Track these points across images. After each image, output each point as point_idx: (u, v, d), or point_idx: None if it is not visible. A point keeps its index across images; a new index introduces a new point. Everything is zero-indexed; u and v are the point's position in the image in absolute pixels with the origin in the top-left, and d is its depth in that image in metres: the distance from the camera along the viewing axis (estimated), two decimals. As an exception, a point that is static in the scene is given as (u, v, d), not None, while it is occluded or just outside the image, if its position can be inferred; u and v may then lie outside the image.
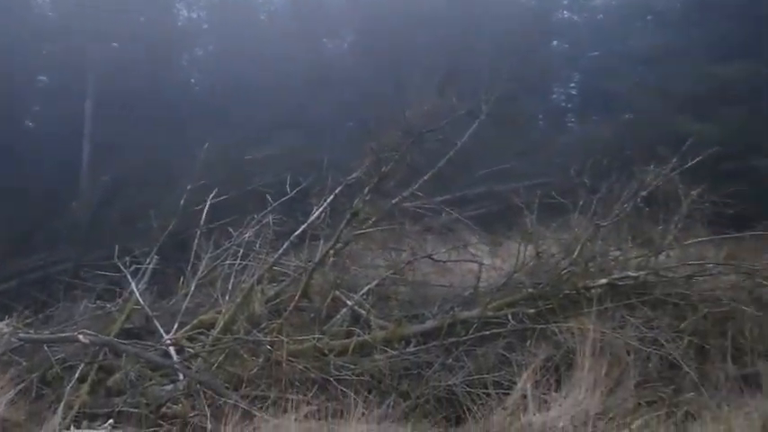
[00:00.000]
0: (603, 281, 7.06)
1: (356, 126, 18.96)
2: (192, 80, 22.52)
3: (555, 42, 24.95)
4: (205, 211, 8.77)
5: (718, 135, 15.23)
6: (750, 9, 17.51)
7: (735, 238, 8.01)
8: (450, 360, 6.53)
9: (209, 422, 5.48)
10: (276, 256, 7.78)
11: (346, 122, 19.89)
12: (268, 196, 9.06)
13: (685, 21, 18.63)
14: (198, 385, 5.91)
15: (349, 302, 7.47)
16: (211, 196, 9.00)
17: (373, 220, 8.03)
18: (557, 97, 25.71)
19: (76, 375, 6.00)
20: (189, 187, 9.15)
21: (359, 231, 7.89)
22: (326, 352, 6.58)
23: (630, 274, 7.19)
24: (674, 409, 5.70)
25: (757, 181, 15.00)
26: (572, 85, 25.53)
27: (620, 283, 7.10)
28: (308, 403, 5.81)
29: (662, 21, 19.72)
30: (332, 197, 8.14)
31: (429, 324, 7.09)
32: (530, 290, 7.19)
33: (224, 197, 9.29)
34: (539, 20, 23.23)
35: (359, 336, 6.94)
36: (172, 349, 6.52)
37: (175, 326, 6.93)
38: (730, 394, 6.00)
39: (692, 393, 5.97)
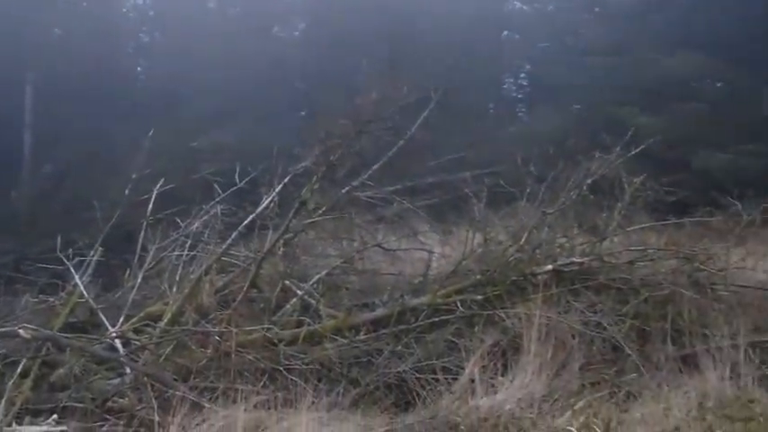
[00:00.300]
0: (549, 267, 7.21)
1: (307, 114, 18.96)
2: (139, 68, 22.18)
3: (506, 33, 25.16)
4: (152, 202, 8.67)
5: (662, 126, 15.64)
6: (695, 2, 17.93)
7: (675, 224, 8.25)
8: (400, 347, 6.62)
9: (156, 415, 5.45)
10: (225, 246, 7.75)
11: (297, 111, 19.85)
12: (216, 186, 9.02)
13: (632, 13, 18.94)
14: (145, 378, 5.87)
15: (299, 292, 7.48)
16: (158, 186, 8.91)
17: (323, 209, 8.07)
18: (507, 87, 25.95)
19: (18, 371, 5.89)
20: (134, 176, 9.03)
21: (308, 221, 7.92)
22: (276, 342, 6.59)
23: (575, 260, 7.36)
24: (616, 389, 5.88)
25: (698, 170, 15.45)
26: (522, 75, 25.78)
27: (566, 269, 7.27)
28: (258, 393, 5.82)
29: (610, 13, 20.00)
30: (281, 186, 8.14)
31: (379, 312, 7.15)
32: (478, 277, 7.31)
33: (171, 187, 9.20)
34: (490, 9, 23.38)
35: (309, 325, 6.98)
36: (118, 342, 6.46)
37: (121, 319, 6.86)
38: (670, 374, 6.20)
39: (634, 374, 6.16)
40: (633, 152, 8.50)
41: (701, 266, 7.33)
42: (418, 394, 6.03)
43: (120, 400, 5.80)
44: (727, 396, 5.57)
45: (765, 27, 17.36)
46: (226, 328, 6.53)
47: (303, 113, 19.69)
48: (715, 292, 7.25)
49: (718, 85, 18.19)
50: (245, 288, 7.26)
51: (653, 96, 16.61)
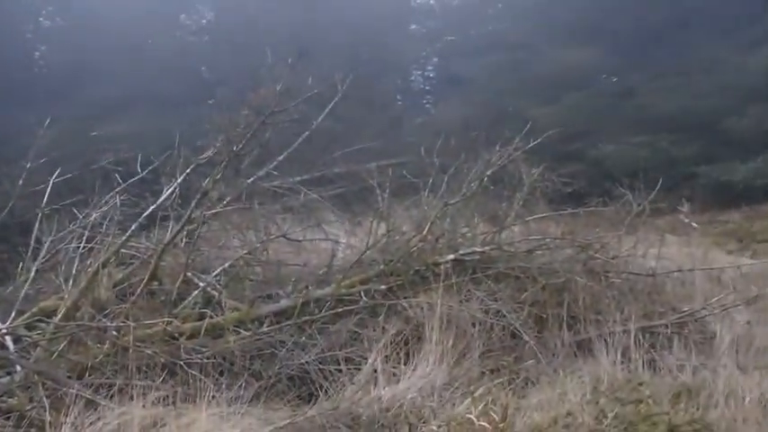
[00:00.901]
0: (451, 256, 7.22)
1: (214, 104, 18.52)
2: (37, 53, 21.22)
3: (413, 26, 25.35)
4: (47, 192, 8.23)
5: (559, 117, 16.04)
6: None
7: (571, 214, 8.40)
8: (304, 339, 6.49)
9: (48, 414, 5.15)
10: (124, 238, 7.43)
11: (204, 99, 19.39)
12: (117, 176, 8.65)
13: (534, 9, 19.32)
14: (36, 376, 5.55)
15: (201, 284, 7.23)
16: (54, 176, 8.47)
17: (227, 200, 7.85)
18: (415, 79, 26.15)
19: None
20: (28, 165, 8.54)
21: (211, 212, 7.68)
22: (177, 336, 6.34)
23: (476, 249, 7.39)
24: (514, 376, 5.92)
25: (592, 160, 15.91)
26: (429, 67, 26.03)
27: (467, 259, 7.29)
28: (157, 389, 5.59)
29: (512, 8, 20.36)
30: (182, 177, 7.86)
31: (283, 303, 7.00)
32: (381, 267, 7.25)
33: (69, 176, 8.76)
34: (399, 3, 23.50)
35: (211, 318, 6.75)
36: (8, 339, 6.09)
37: (13, 314, 6.47)
38: (566, 360, 6.31)
39: (532, 361, 6.23)
40: (532, 144, 8.57)
41: (595, 255, 7.50)
42: (321, 386, 5.93)
43: (10, 399, 5.46)
44: (619, 380, 5.69)
45: (658, 26, 18.02)
46: (123, 322, 6.24)
47: (210, 102, 19.25)
48: (608, 279, 7.42)
49: (614, 79, 18.77)
50: (144, 281, 6.98)
51: (551, 89, 17.00)
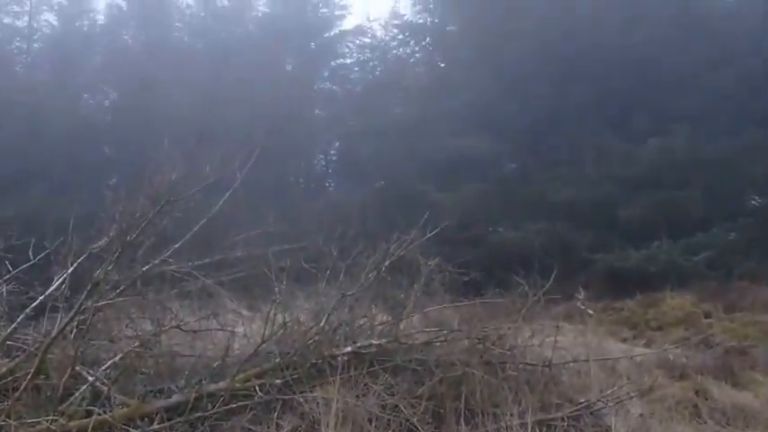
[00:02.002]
0: (348, 349, 7.23)
1: (111, 188, 18.20)
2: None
3: (317, 111, 25.94)
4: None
5: (458, 203, 16.56)
6: (485, 86, 19.31)
7: (469, 304, 8.57)
8: (195, 436, 6.33)
9: None
10: (10, 329, 7.14)
11: (103, 181, 19.07)
12: (7, 262, 8.38)
13: (432, 96, 20.10)
14: None
15: (90, 378, 6.98)
16: (-64, 261, 8.12)
17: (120, 288, 7.68)
18: (317, 162, 26.59)
19: None
20: None
21: (103, 302, 7.48)
22: (61, 434, 6.09)
23: (374, 341, 7.43)
24: (411, 473, 5.92)
25: (491, 246, 16.38)
26: (332, 151, 26.53)
27: (364, 351, 7.32)
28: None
29: (411, 94, 21.09)
30: (74, 266, 7.66)
31: (175, 399, 6.81)
32: (278, 360, 7.18)
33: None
34: (303, 88, 24.05)
35: (99, 415, 6.51)
36: None
37: None
38: (464, 455, 6.34)
39: (428, 457, 6.25)
40: (430, 234, 8.78)
41: (492, 346, 7.64)
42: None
43: None
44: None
45: (553, 115, 18.99)
46: (5, 421, 5.96)
47: (110, 184, 18.95)
48: (505, 371, 7.54)
49: (513, 165, 19.51)
50: (30, 375, 6.69)
51: (449, 175, 17.56)
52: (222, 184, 9.60)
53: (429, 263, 8.28)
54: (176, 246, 8.63)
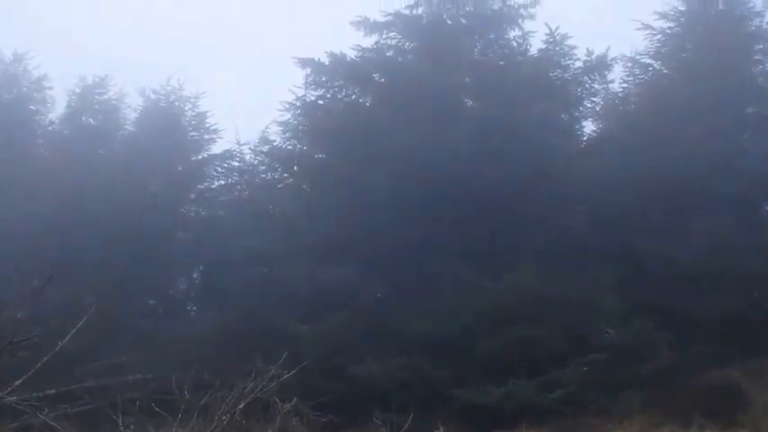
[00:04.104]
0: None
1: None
2: None
3: (181, 234, 25.85)
4: None
5: (320, 335, 16.78)
6: (350, 215, 20.04)
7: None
8: None
9: None
10: None
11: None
12: None
13: (293, 224, 20.60)
14: None
15: None
16: None
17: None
18: (178, 289, 26.32)
19: None
20: None
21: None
22: None
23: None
24: None
25: (353, 380, 16.54)
26: (195, 276, 26.34)
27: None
28: None
29: (276, 222, 21.50)
30: None
31: None
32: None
33: None
34: (166, 211, 24.05)
35: None
36: None
37: None
38: None
39: None
40: (288, 375, 8.92)
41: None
42: None
43: None
44: None
45: (414, 248, 19.76)
46: None
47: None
48: None
49: (378, 294, 19.97)
50: None
51: (312, 305, 17.84)
52: (76, 310, 9.45)
53: (285, 405, 8.38)
54: (17, 383, 8.39)
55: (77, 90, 26.52)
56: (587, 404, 16.90)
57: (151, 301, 24.88)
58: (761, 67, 24.59)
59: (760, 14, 24.52)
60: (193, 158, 26.35)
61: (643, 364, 17.73)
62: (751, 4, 24.54)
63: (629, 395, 17.11)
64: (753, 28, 24.47)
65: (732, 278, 19.26)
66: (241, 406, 8.14)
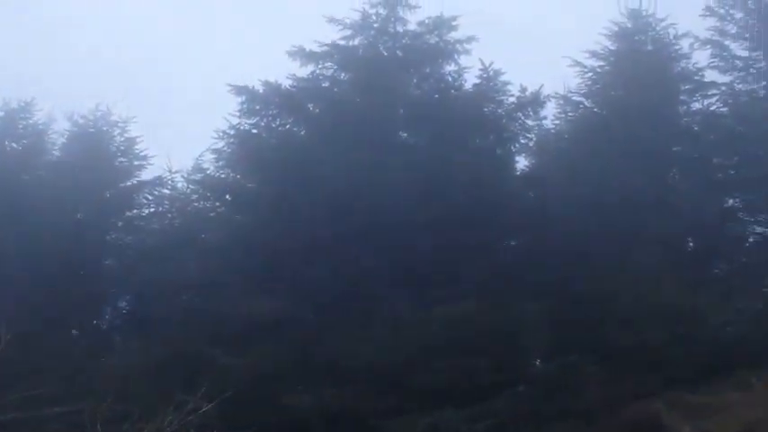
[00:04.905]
0: None
1: None
2: None
3: (108, 262, 25.50)
4: None
5: (249, 366, 16.73)
6: (282, 245, 20.11)
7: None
8: None
9: None
10: None
11: None
12: None
13: (227, 253, 20.56)
14: None
15: None
16: None
17: None
18: (106, 318, 25.91)
19: None
20: None
21: None
22: None
23: None
24: None
25: (281, 415, 16.52)
26: (123, 304, 25.95)
27: None
28: None
29: (207, 251, 21.40)
30: None
31: None
32: None
33: None
34: (93, 239, 23.81)
35: None
36: None
37: None
38: None
39: None
40: (208, 406, 8.91)
41: None
42: None
43: None
44: None
45: (347, 278, 19.90)
46: None
47: None
48: None
49: (308, 328, 19.95)
50: None
51: (243, 337, 17.79)
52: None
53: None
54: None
55: (1, 114, 26.00)
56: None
57: (74, 332, 24.33)
58: (686, 107, 25.75)
59: (686, 56, 25.77)
60: (122, 185, 25.96)
61: (570, 397, 18.13)
62: (678, 47, 25.75)
63: (554, 428, 17.49)
64: (679, 69, 25.66)
65: (657, 312, 19.87)
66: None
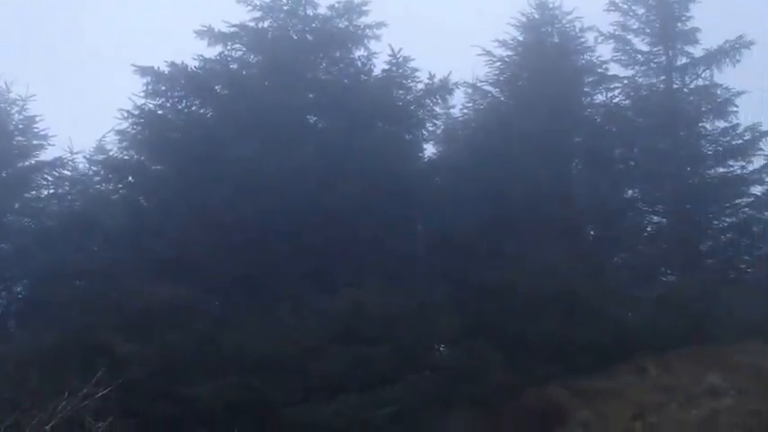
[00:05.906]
0: None
1: None
2: None
3: (4, 245, 24.90)
4: None
5: (150, 355, 16.67)
6: (186, 231, 20.00)
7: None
8: None
9: None
10: None
11: None
12: None
13: (130, 238, 20.32)
14: None
15: None
16: None
17: None
18: (2, 302, 25.25)
19: None
20: None
21: None
22: None
23: None
24: None
25: (185, 400, 16.53)
26: (18, 289, 25.33)
27: None
28: None
29: (109, 235, 21.09)
30: None
31: None
32: None
33: None
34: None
35: None
36: None
37: None
38: None
39: None
40: (104, 391, 8.95)
41: None
42: None
43: None
44: None
45: (249, 266, 19.97)
46: None
47: None
48: None
49: (211, 316, 19.90)
50: None
51: (144, 325, 17.68)
52: None
53: (99, 425, 8.42)
54: None
55: None
56: (417, 421, 17.62)
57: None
58: (589, 99, 26.76)
59: (591, 49, 26.78)
60: (20, 165, 25.26)
61: (473, 384, 18.69)
62: (583, 39, 26.70)
63: (458, 414, 18.04)
64: (583, 61, 26.63)
65: (558, 300, 20.64)
66: (49, 426, 8.07)
